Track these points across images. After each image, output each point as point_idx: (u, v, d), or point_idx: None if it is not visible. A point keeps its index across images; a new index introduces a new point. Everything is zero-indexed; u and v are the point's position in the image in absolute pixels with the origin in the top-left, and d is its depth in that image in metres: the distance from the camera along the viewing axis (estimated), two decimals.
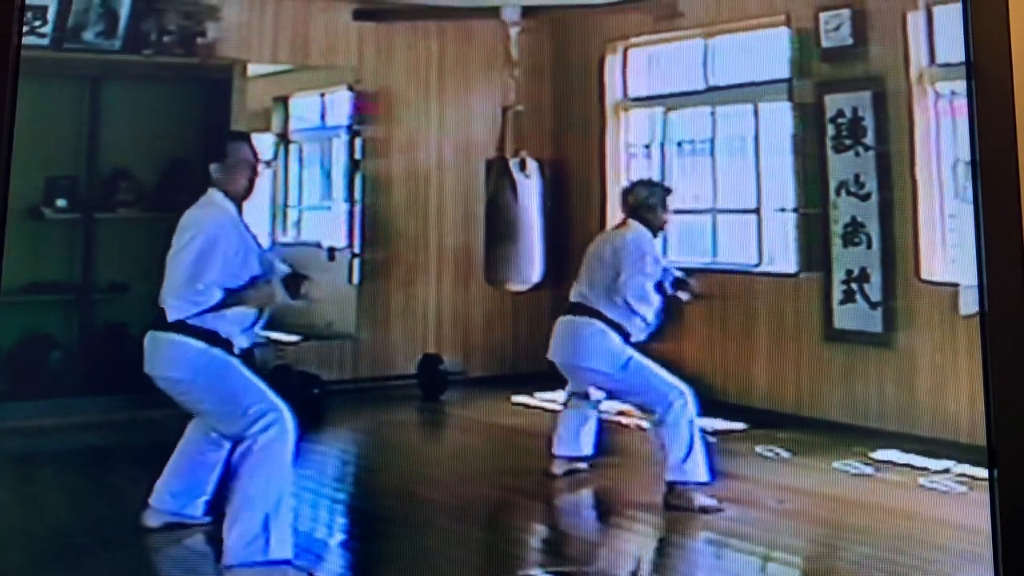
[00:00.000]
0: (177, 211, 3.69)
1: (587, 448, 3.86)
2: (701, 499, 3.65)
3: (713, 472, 3.69)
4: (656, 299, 3.95)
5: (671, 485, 3.69)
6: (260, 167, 3.76)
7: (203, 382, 3.51)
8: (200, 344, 3.50)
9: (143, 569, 3.32)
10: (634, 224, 3.99)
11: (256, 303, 3.61)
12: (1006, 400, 2.92)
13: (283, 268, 3.68)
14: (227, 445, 3.53)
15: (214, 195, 3.63)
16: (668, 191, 4.07)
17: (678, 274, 4.02)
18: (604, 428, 3.91)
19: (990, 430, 2.94)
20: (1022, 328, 2.93)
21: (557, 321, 3.92)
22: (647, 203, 4.00)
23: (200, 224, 3.58)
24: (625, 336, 3.90)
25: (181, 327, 3.50)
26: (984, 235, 3.00)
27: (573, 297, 3.94)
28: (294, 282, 3.68)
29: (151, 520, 3.46)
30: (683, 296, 3.99)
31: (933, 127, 3.86)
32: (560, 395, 3.92)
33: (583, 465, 3.85)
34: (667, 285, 3.99)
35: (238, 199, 3.65)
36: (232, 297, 3.55)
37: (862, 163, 3.96)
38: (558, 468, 3.83)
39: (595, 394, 3.93)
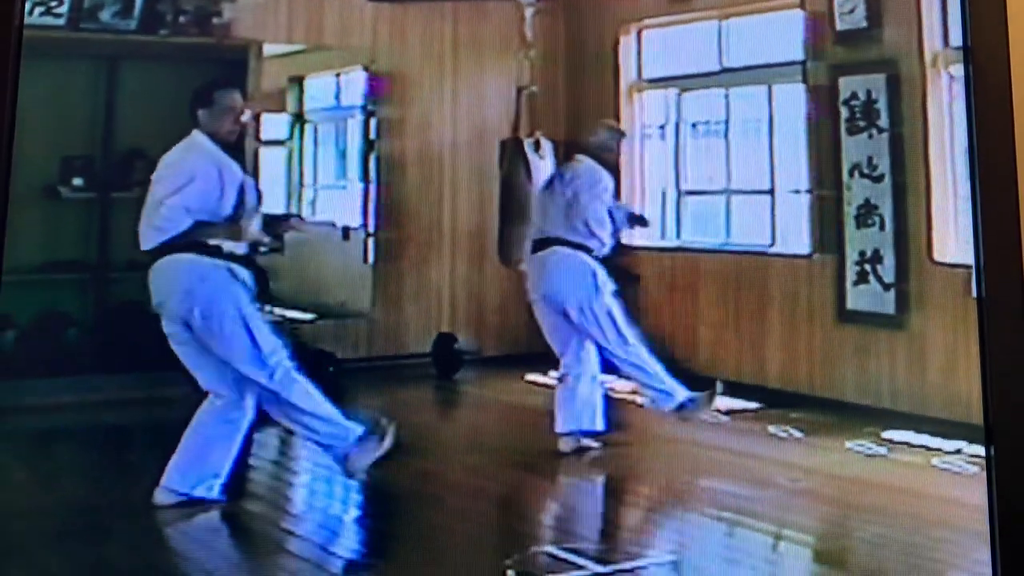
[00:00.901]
0: None
1: (598, 423, 3.89)
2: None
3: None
4: (609, 224, 4.05)
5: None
6: (245, 115, 3.85)
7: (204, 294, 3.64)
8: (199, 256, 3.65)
9: (156, 545, 3.34)
10: (584, 159, 4.06)
11: (224, 236, 3.70)
12: (1003, 379, 2.94)
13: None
14: (244, 425, 3.56)
15: (196, 137, 3.72)
16: (623, 135, 4.19)
17: (633, 210, 4.16)
18: (613, 404, 3.93)
19: (987, 409, 2.96)
20: (1019, 308, 2.95)
21: (526, 262, 4.02)
22: (607, 145, 4.08)
23: (181, 173, 3.70)
24: (588, 253, 4.02)
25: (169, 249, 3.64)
26: (982, 217, 3.02)
27: (533, 236, 4.03)
28: (275, 223, 3.86)
29: (161, 498, 3.49)
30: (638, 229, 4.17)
31: (946, 109, 3.86)
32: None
33: (594, 444, 3.86)
34: (621, 217, 4.11)
35: (223, 142, 3.74)
36: (201, 230, 3.66)
37: (876, 145, 3.96)
38: (565, 446, 3.85)
39: (592, 364, 3.95)
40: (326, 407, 3.61)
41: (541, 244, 4.04)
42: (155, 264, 3.63)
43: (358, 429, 3.61)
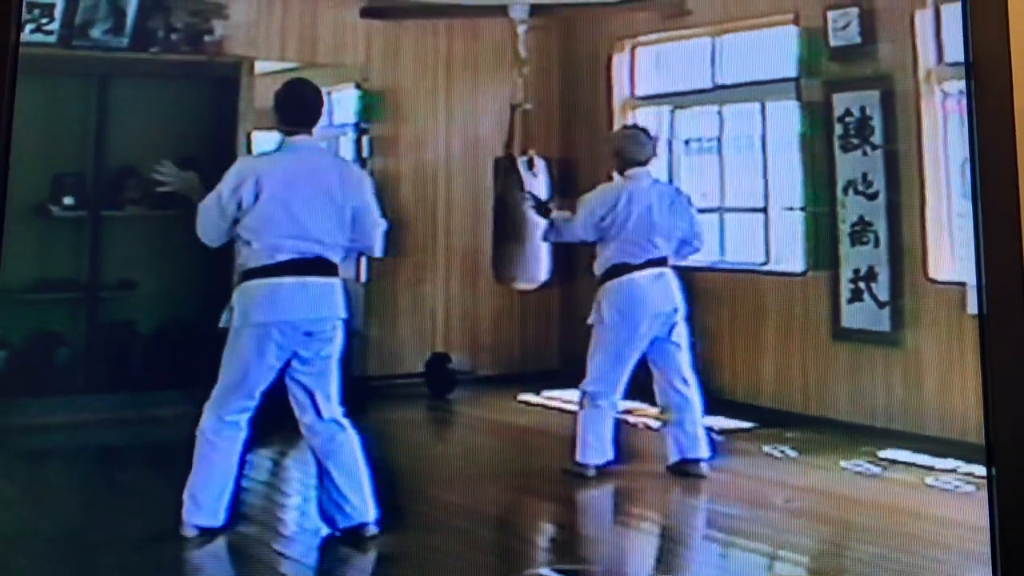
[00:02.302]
0: (183, 209, 3.68)
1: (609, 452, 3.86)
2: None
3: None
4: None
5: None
6: None
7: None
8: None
9: (150, 568, 3.32)
10: (645, 169, 4.02)
11: None
12: (1004, 399, 2.94)
13: None
14: (241, 436, 3.53)
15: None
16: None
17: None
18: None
19: (988, 428, 2.96)
20: (1020, 327, 2.94)
21: (640, 277, 3.94)
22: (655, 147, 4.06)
23: None
24: None
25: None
26: (983, 234, 3.02)
27: (654, 254, 3.96)
28: None
29: (190, 532, 3.45)
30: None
31: (941, 126, 3.86)
32: (571, 394, 3.92)
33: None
34: None
35: None
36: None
37: (870, 162, 3.96)
38: (591, 472, 3.83)
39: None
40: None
41: (661, 262, 3.97)
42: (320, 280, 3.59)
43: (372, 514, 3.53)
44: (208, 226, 3.58)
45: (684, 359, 3.91)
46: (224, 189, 3.56)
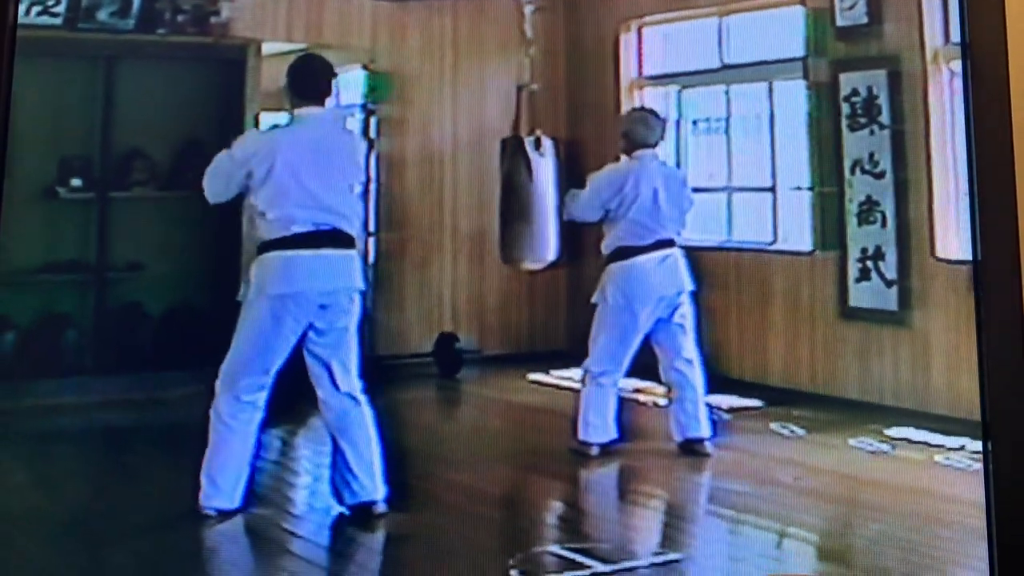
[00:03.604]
0: (191, 190, 3.69)
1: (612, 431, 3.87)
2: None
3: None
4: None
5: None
6: None
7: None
8: None
9: (161, 551, 3.33)
10: (653, 151, 4.02)
11: None
12: (1000, 375, 2.96)
13: None
14: (258, 417, 3.52)
15: None
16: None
17: None
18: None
19: (984, 404, 2.97)
20: (1016, 303, 2.96)
21: (646, 259, 3.95)
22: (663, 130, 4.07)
23: None
24: None
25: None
26: (980, 213, 3.03)
27: (661, 235, 3.97)
28: None
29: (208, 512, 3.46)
30: None
31: (948, 105, 3.86)
32: (579, 374, 3.93)
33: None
34: None
35: None
36: None
37: (877, 142, 3.96)
38: (594, 451, 3.84)
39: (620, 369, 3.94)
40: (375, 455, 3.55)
41: (670, 243, 3.98)
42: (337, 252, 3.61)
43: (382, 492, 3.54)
44: (215, 179, 3.60)
45: (687, 340, 3.92)
46: (236, 152, 3.60)
